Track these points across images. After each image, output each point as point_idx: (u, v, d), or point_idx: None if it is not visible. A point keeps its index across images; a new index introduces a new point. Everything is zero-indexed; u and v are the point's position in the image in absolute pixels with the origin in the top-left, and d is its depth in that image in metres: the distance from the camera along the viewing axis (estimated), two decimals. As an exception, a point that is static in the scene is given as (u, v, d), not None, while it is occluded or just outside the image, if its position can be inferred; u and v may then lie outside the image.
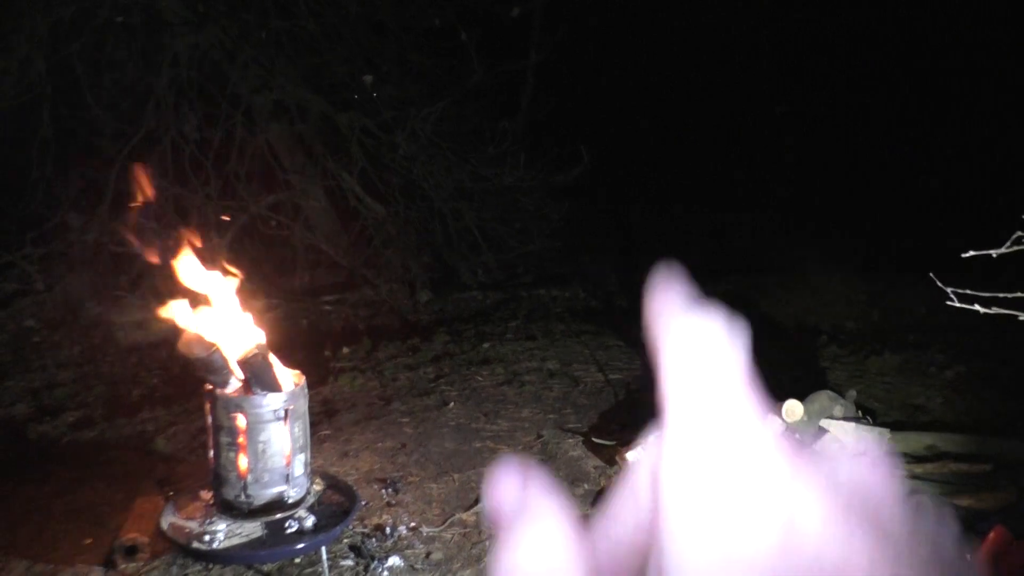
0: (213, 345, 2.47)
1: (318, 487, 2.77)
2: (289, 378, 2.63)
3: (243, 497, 2.52)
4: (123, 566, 2.93)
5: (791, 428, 3.63)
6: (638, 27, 11.43)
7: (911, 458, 3.61)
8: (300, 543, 2.48)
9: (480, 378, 5.07)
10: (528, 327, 6.24)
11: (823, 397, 3.82)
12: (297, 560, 2.95)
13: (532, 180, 7.74)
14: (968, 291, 2.44)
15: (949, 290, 2.46)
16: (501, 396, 4.76)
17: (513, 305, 7.04)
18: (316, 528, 2.53)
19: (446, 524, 3.27)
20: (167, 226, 6.43)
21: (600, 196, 10.54)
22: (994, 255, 2.44)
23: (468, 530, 3.23)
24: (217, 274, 2.65)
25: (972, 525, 2.76)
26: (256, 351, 2.49)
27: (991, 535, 2.61)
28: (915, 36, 10.59)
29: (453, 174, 7.45)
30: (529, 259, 8.21)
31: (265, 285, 6.94)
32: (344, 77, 7.04)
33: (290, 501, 2.58)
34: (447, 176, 7.42)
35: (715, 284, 7.41)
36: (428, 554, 3.04)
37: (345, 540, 3.10)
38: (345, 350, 5.61)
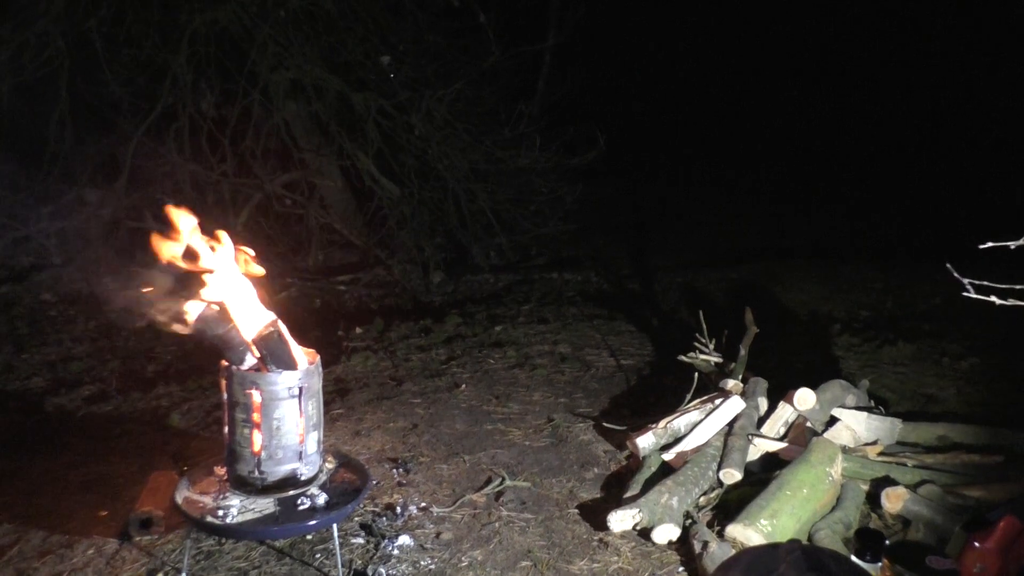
0: (230, 322, 2.49)
1: (330, 465, 2.79)
2: (303, 356, 2.65)
3: (257, 473, 2.54)
4: (138, 538, 2.97)
5: (803, 416, 3.63)
6: (656, 9, 11.34)
7: (922, 448, 3.60)
8: (312, 520, 2.51)
9: (492, 361, 5.08)
10: (540, 310, 6.24)
11: (835, 386, 3.81)
12: (309, 537, 2.98)
13: (547, 162, 7.71)
14: (985, 282, 2.43)
15: (966, 281, 2.44)
16: (512, 379, 4.77)
17: (526, 288, 7.04)
18: (328, 506, 2.56)
19: (456, 505, 3.29)
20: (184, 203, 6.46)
21: (615, 179, 10.51)
22: (1012, 247, 2.43)
23: (478, 511, 3.25)
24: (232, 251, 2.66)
25: (983, 515, 2.75)
26: (272, 329, 2.51)
27: (1001, 524, 2.61)
28: (938, 23, 10.48)
29: (468, 155, 7.44)
30: (542, 241, 8.20)
31: (279, 264, 6.97)
32: (361, 56, 7.03)
33: (303, 478, 2.60)
34: (462, 157, 7.41)
35: (729, 270, 7.39)
36: (438, 534, 3.06)
37: (356, 518, 3.13)
38: (358, 330, 5.64)
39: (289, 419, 2.53)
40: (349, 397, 4.44)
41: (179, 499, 2.56)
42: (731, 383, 4.01)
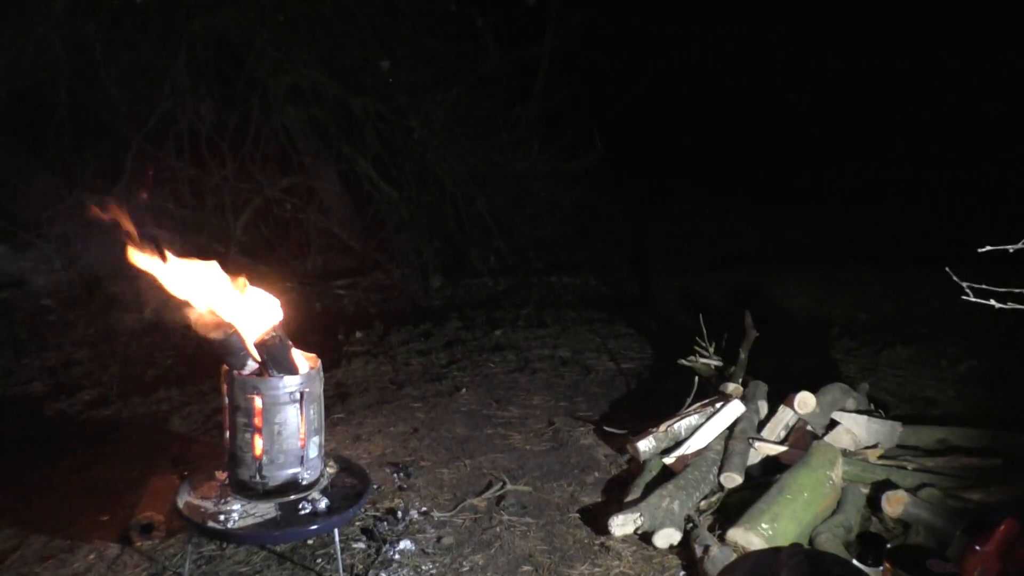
0: (231, 327, 2.50)
1: (331, 470, 2.80)
2: (305, 361, 2.65)
3: (258, 478, 2.55)
4: (139, 543, 2.97)
5: (803, 420, 3.63)
6: (654, 13, 11.36)
7: (923, 452, 3.60)
8: (313, 525, 2.51)
9: (492, 365, 5.08)
10: (540, 314, 6.24)
11: (836, 389, 3.82)
12: (310, 541, 2.98)
13: (545, 166, 7.72)
14: (983, 285, 2.44)
15: (965, 284, 2.45)
16: (513, 383, 4.77)
17: (524, 292, 7.04)
18: (329, 510, 2.56)
19: (457, 509, 3.29)
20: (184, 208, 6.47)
21: (613, 183, 10.51)
22: (1010, 250, 2.44)
23: (479, 515, 3.25)
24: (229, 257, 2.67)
25: (983, 518, 2.76)
26: (273, 333, 2.51)
27: (1001, 527, 2.61)
28: (937, 26, 10.51)
29: (466, 160, 7.45)
30: (541, 245, 8.21)
31: (279, 268, 6.97)
32: (359, 61, 7.04)
33: (304, 483, 2.61)
34: (460, 161, 7.42)
35: (727, 274, 7.40)
36: (439, 538, 3.06)
37: (357, 523, 3.13)
38: (358, 334, 5.64)
39: (291, 424, 2.53)
40: (350, 401, 4.45)
41: (180, 504, 2.56)
42: (731, 387, 4.01)
